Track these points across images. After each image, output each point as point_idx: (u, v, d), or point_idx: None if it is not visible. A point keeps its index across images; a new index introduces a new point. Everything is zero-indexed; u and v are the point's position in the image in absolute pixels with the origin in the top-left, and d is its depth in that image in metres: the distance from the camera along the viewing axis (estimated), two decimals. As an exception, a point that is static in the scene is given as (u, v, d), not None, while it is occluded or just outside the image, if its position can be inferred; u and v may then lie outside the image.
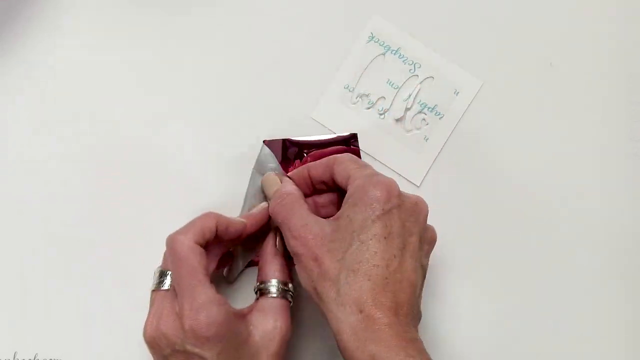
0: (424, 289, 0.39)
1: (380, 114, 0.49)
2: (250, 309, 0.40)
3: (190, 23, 0.49)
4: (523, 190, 0.48)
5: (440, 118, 0.49)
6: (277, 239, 0.42)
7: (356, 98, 0.49)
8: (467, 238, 0.47)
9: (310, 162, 0.43)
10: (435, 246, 0.40)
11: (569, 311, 0.47)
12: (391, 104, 0.49)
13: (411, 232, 0.37)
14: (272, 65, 0.48)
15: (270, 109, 0.48)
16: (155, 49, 0.48)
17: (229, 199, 0.46)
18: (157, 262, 0.40)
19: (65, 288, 0.46)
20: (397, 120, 0.48)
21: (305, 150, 0.47)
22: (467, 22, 0.50)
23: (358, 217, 0.36)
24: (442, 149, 0.48)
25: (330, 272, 0.36)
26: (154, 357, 0.38)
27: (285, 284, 0.40)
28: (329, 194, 0.43)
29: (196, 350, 0.36)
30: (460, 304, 0.47)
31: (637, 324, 0.48)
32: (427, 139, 0.48)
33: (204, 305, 0.36)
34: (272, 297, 0.40)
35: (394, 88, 0.49)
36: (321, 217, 0.41)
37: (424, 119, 0.49)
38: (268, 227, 0.43)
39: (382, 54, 0.49)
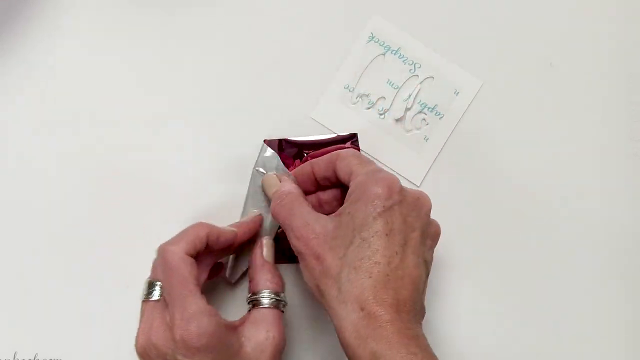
0: (427, 285, 0.39)
1: (380, 114, 0.49)
2: (243, 320, 0.40)
3: (190, 23, 0.49)
4: (523, 190, 0.48)
5: (440, 118, 0.49)
6: (265, 249, 0.42)
7: (356, 98, 0.49)
8: (467, 238, 0.47)
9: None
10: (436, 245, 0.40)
11: (569, 311, 0.47)
12: (391, 104, 0.49)
13: (413, 227, 0.37)
14: (272, 65, 0.48)
15: (270, 109, 0.48)
16: (155, 49, 0.48)
17: (228, 199, 0.46)
18: (157, 262, 0.40)
19: (65, 288, 0.46)
20: (397, 120, 0.48)
21: (306, 151, 0.47)
22: (467, 22, 0.50)
23: (359, 214, 0.36)
24: (442, 149, 0.48)
25: (331, 269, 0.36)
26: None
27: (277, 294, 0.41)
28: (332, 190, 0.43)
29: None
30: (460, 303, 0.47)
31: (637, 324, 0.48)
32: (427, 139, 0.48)
33: (194, 315, 0.36)
34: (264, 307, 0.40)
35: (394, 88, 0.49)
36: (325, 213, 0.41)
37: (424, 119, 0.49)
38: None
39: (382, 54, 0.49)
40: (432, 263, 0.40)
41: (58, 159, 0.47)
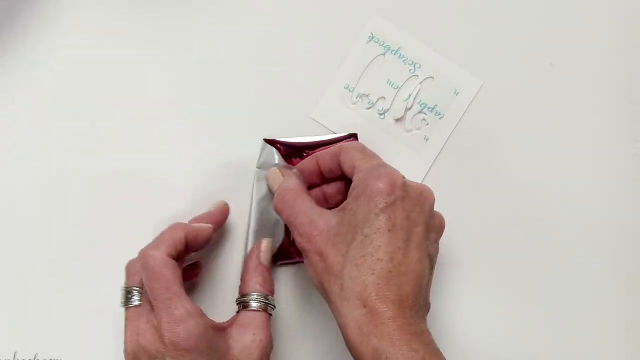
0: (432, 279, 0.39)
1: (380, 114, 0.49)
2: (231, 322, 0.40)
3: (190, 23, 0.49)
4: (523, 190, 0.48)
5: (440, 118, 0.49)
6: (262, 252, 0.42)
7: (356, 98, 0.49)
8: (466, 238, 0.47)
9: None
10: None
11: (569, 311, 0.47)
12: (391, 104, 0.49)
13: (416, 222, 0.37)
14: (272, 65, 0.48)
15: (270, 109, 0.48)
16: (155, 49, 0.48)
17: (229, 199, 0.46)
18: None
19: (65, 288, 0.46)
20: (397, 120, 0.48)
21: (306, 150, 0.47)
22: (468, 22, 0.50)
23: (361, 211, 0.36)
24: (442, 149, 0.48)
25: (334, 266, 0.36)
26: None
27: (266, 297, 0.40)
28: (337, 183, 0.43)
29: None
30: (460, 303, 0.47)
31: (637, 324, 0.48)
32: (427, 139, 0.48)
33: (181, 318, 0.36)
34: (252, 310, 0.40)
35: (394, 88, 0.49)
36: (330, 206, 0.41)
37: (424, 119, 0.49)
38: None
39: (382, 54, 0.49)
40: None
41: (58, 159, 0.47)
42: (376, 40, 0.49)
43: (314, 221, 0.38)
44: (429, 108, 0.49)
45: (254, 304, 0.40)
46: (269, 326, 0.40)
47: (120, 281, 0.45)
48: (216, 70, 0.48)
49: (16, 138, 0.47)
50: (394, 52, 0.49)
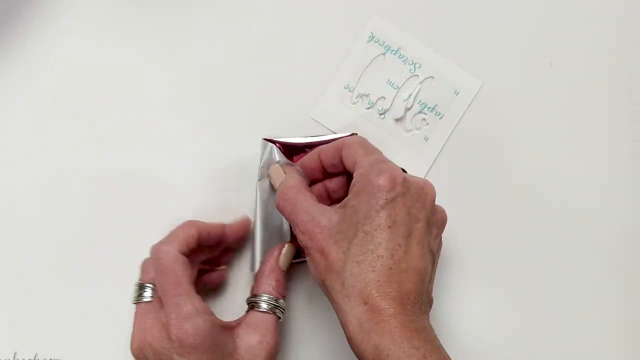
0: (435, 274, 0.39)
1: (380, 114, 0.49)
2: (239, 322, 0.40)
3: (190, 23, 0.49)
4: (523, 190, 0.48)
5: (440, 118, 0.49)
6: (283, 256, 0.42)
7: (356, 98, 0.49)
8: (466, 238, 0.47)
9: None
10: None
11: (569, 311, 0.47)
12: (391, 104, 0.49)
13: (417, 218, 0.37)
14: (272, 65, 0.48)
15: (270, 109, 0.48)
16: (155, 49, 0.48)
17: (229, 199, 0.46)
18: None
19: (65, 288, 0.46)
20: (397, 120, 0.48)
21: (306, 150, 0.47)
22: (468, 22, 0.50)
23: (362, 207, 0.36)
24: (442, 149, 0.48)
25: (335, 264, 0.36)
26: None
27: (277, 300, 0.41)
28: (339, 177, 0.43)
29: None
30: (460, 303, 0.47)
31: (637, 324, 0.47)
32: (427, 139, 0.48)
33: (190, 314, 0.36)
34: (261, 311, 0.40)
35: (394, 88, 0.49)
36: (332, 202, 0.41)
37: (424, 119, 0.49)
38: None
39: (382, 54, 0.49)
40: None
41: (58, 158, 0.47)
42: (376, 40, 0.49)
43: (315, 218, 0.38)
44: (429, 108, 0.49)
45: (263, 306, 0.40)
46: (277, 329, 0.40)
47: (120, 281, 0.45)
48: (216, 70, 0.48)
49: (16, 138, 0.47)
50: (394, 52, 0.49)
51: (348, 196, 0.38)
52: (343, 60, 0.49)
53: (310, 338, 0.46)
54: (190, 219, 0.43)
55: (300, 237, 0.38)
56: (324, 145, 0.43)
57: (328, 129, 0.48)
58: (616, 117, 0.49)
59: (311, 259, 0.38)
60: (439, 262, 0.40)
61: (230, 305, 0.45)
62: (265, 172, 0.45)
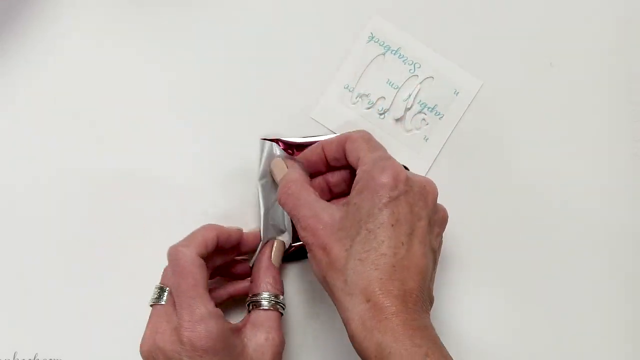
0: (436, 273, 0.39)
1: (380, 114, 0.49)
2: (244, 322, 0.40)
3: (190, 23, 0.49)
4: (523, 190, 0.48)
5: (440, 118, 0.49)
6: (274, 252, 0.42)
7: (356, 98, 0.49)
8: (466, 238, 0.47)
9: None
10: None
11: (569, 311, 0.47)
12: (391, 104, 0.49)
13: (420, 216, 0.37)
14: (272, 65, 0.48)
15: (270, 108, 0.48)
16: (155, 49, 0.48)
17: (229, 199, 0.46)
18: (158, 262, 0.40)
19: (65, 288, 0.46)
20: (397, 120, 0.48)
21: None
22: (468, 22, 0.50)
23: (365, 205, 0.36)
24: (442, 149, 0.48)
25: (338, 261, 0.36)
26: None
27: (277, 296, 0.41)
28: (341, 172, 0.43)
29: None
30: (460, 303, 0.47)
31: (637, 324, 0.48)
32: (427, 139, 0.48)
33: (203, 317, 0.36)
34: (263, 309, 0.40)
35: (394, 88, 0.49)
36: (334, 196, 0.40)
37: (424, 119, 0.49)
38: None
39: (382, 54, 0.49)
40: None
41: (58, 159, 0.47)
42: (376, 40, 0.49)
43: (318, 215, 0.38)
44: (429, 108, 0.49)
45: (264, 303, 0.40)
46: (280, 325, 0.40)
47: (120, 281, 0.45)
48: (216, 70, 0.48)
49: (16, 138, 0.47)
50: (394, 52, 0.49)
51: (351, 194, 0.38)
52: (343, 60, 0.49)
53: (311, 337, 0.46)
54: (190, 219, 0.43)
55: (302, 233, 0.38)
56: (327, 139, 0.43)
57: (328, 129, 0.48)
58: (616, 117, 0.49)
59: (312, 256, 0.38)
60: (439, 261, 0.40)
61: (231, 305, 0.45)
62: (266, 171, 0.45)
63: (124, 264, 0.46)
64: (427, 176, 0.48)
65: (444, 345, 0.35)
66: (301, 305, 0.46)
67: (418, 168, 0.48)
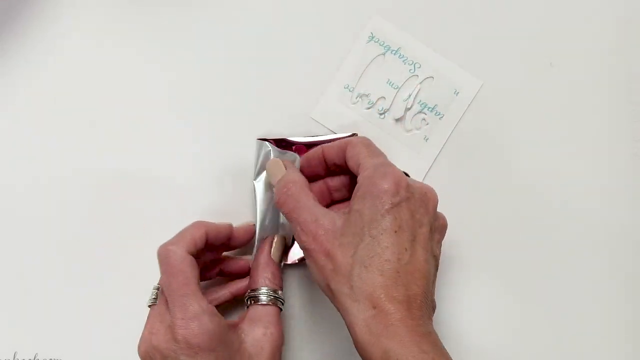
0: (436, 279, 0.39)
1: (380, 114, 0.49)
2: (242, 318, 0.40)
3: (190, 23, 0.49)
4: (523, 190, 0.48)
5: (440, 118, 0.49)
6: (274, 247, 0.42)
7: (356, 98, 0.49)
8: (466, 238, 0.47)
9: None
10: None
11: (569, 311, 0.47)
12: (391, 104, 0.49)
13: (421, 223, 0.37)
14: (271, 65, 0.48)
15: (270, 108, 0.48)
16: (155, 49, 0.48)
17: (228, 199, 0.46)
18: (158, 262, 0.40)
19: (65, 288, 0.46)
20: (397, 120, 0.48)
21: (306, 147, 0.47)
22: (468, 22, 0.50)
23: (367, 212, 0.36)
24: (442, 149, 0.48)
25: (343, 267, 0.36)
26: None
27: (275, 291, 0.41)
28: (341, 177, 0.43)
29: None
30: (460, 303, 0.47)
31: (637, 324, 0.47)
32: (427, 139, 0.48)
33: (196, 315, 0.36)
34: (262, 304, 0.40)
35: (394, 88, 0.49)
36: (334, 201, 0.40)
37: (424, 119, 0.49)
38: None
39: (382, 54, 0.49)
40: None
41: (58, 159, 0.47)
42: (376, 40, 0.49)
43: (319, 220, 0.37)
44: (429, 108, 0.49)
45: (263, 298, 0.40)
46: (279, 320, 0.40)
47: (120, 281, 0.45)
48: (216, 70, 0.48)
49: (16, 138, 0.47)
50: (394, 52, 0.49)
51: (352, 201, 0.38)
52: (343, 60, 0.49)
53: (309, 339, 0.46)
54: (190, 218, 0.43)
55: (303, 237, 0.38)
56: (329, 143, 0.43)
57: (328, 128, 0.48)
58: (616, 117, 0.49)
59: (313, 261, 0.37)
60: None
61: (231, 305, 0.45)
62: (261, 172, 0.45)
63: (124, 264, 0.46)
64: (426, 177, 0.48)
65: (445, 345, 0.35)
66: (301, 305, 0.46)
67: (418, 168, 0.48)
